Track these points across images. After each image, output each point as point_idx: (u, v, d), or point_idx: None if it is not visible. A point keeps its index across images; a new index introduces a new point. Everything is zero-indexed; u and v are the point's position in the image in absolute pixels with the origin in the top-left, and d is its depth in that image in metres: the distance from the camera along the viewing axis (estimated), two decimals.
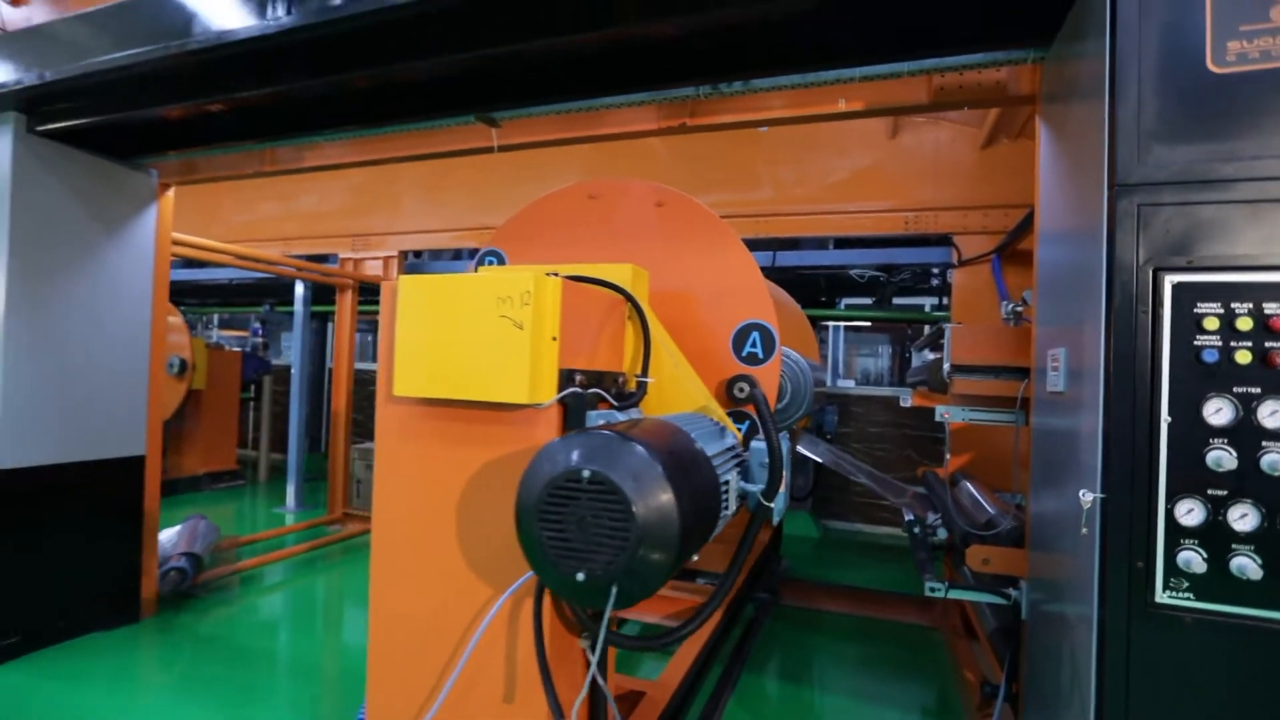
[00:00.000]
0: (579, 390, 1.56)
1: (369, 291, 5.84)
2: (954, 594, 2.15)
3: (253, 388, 8.02)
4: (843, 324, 9.23)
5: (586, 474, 1.12)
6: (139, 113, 2.90)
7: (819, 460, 3.52)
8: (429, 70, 2.47)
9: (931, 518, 2.53)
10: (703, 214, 2.29)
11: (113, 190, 3.39)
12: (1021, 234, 3.32)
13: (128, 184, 3.46)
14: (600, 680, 1.56)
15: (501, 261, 2.61)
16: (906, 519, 2.81)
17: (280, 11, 2.18)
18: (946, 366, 2.37)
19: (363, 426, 8.39)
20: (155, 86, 2.74)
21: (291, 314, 9.39)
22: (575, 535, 1.13)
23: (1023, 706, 2.11)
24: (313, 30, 2.13)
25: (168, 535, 3.93)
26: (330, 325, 9.11)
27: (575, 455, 1.16)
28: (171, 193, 3.67)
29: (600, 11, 2.03)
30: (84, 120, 2.98)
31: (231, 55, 2.38)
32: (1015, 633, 2.19)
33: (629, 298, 1.89)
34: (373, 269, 5.55)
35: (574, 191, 2.48)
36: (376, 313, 7.53)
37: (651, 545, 1.11)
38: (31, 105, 3.00)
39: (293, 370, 6.29)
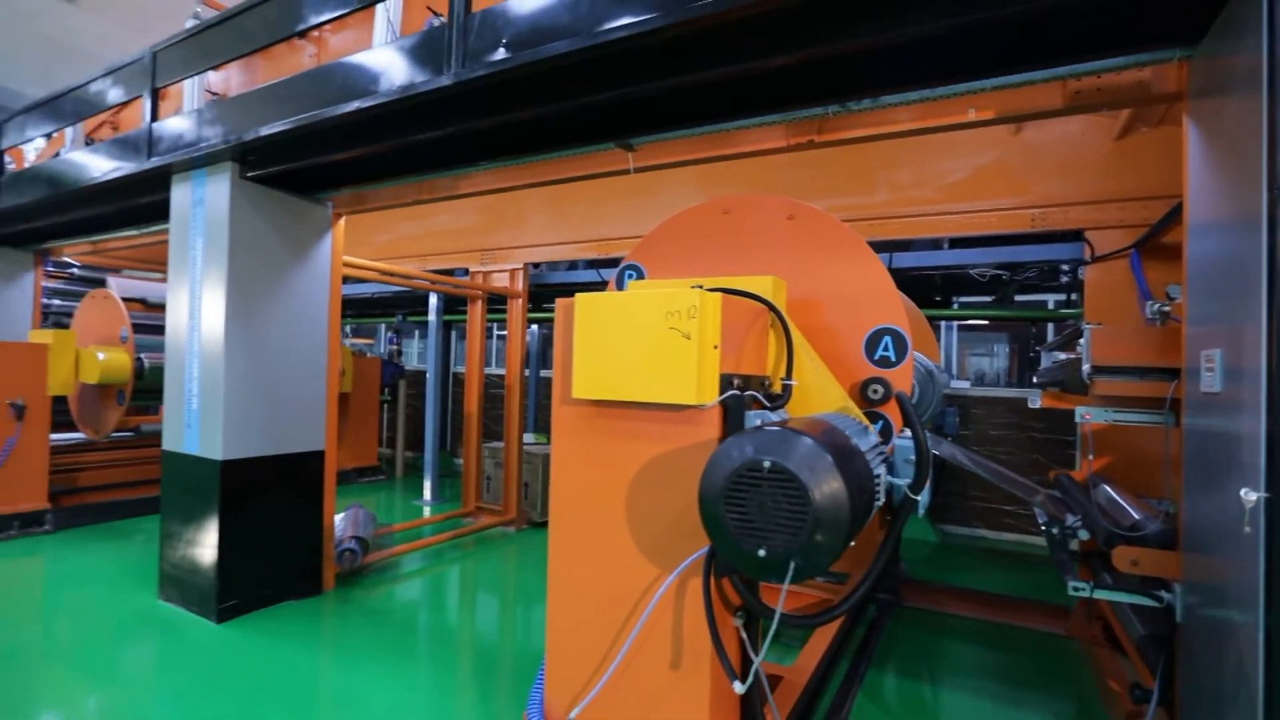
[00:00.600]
0: (737, 392, 1.75)
1: (494, 301, 6.32)
2: (1101, 594, 2.16)
3: (389, 391, 8.81)
4: (955, 323, 8.91)
5: (767, 464, 1.31)
6: (317, 159, 3.39)
7: (949, 459, 3.52)
8: (575, 107, 2.75)
9: (1070, 519, 2.52)
10: (833, 225, 2.42)
11: (299, 221, 3.95)
12: (1166, 227, 3.19)
13: (310, 215, 4.02)
14: (751, 650, 1.74)
15: (641, 274, 2.84)
16: (1041, 521, 2.79)
17: (455, 67, 2.52)
18: (1087, 367, 2.37)
19: (487, 428, 9.02)
20: (339, 136, 3.20)
21: (416, 323, 10.22)
22: (757, 517, 1.32)
23: (1179, 712, 2.09)
24: (485, 80, 2.45)
25: (337, 521, 4.49)
26: (452, 333, 9.85)
27: (755, 448, 1.35)
28: (343, 221, 4.21)
29: (720, 54, 2.21)
30: (281, 166, 3.52)
31: (411, 106, 2.76)
32: (1168, 638, 2.16)
33: (772, 308, 2.05)
34: (499, 281, 6.00)
35: (708, 208, 2.67)
36: (500, 321, 8.09)
37: (825, 528, 1.28)
38: (243, 156, 3.57)
39: (428, 375, 6.89)
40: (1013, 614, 3.94)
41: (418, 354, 12.21)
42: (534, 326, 8.60)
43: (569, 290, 7.13)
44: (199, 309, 3.69)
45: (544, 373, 9.14)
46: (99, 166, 4.21)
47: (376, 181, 3.67)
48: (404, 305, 8.95)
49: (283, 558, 3.88)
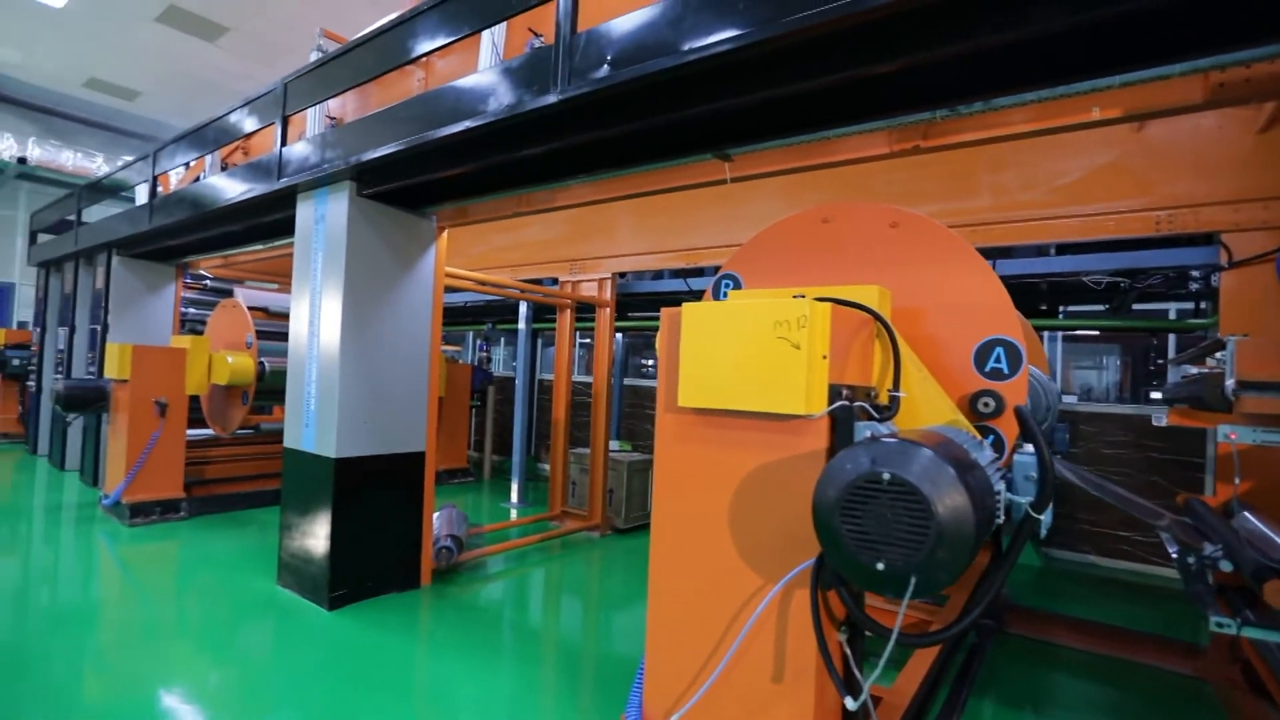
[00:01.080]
0: (846, 403, 1.72)
1: (581, 310, 6.47)
2: (1251, 633, 1.97)
3: (478, 396, 9.17)
4: (1060, 333, 8.36)
5: (886, 476, 1.28)
6: (426, 177, 3.60)
7: (1061, 478, 3.30)
8: (674, 120, 2.80)
9: (1209, 549, 2.31)
10: (940, 232, 2.35)
11: (407, 234, 4.20)
12: None
13: (417, 229, 4.26)
14: (855, 667, 1.70)
15: (738, 284, 2.84)
16: (1172, 550, 2.57)
17: (560, 85, 2.63)
18: (1231, 382, 2.17)
19: (570, 434, 9.23)
20: (447, 154, 3.39)
21: (501, 331, 10.59)
22: (874, 530, 1.30)
23: None
24: (589, 97, 2.54)
25: (434, 519, 4.71)
26: (538, 341, 10.14)
27: (872, 459, 1.33)
28: (445, 234, 4.44)
29: (822, 63, 2.19)
30: (393, 184, 3.76)
31: (516, 124, 2.89)
32: None
33: (879, 318, 2.01)
34: (588, 290, 6.15)
35: (807, 216, 2.64)
36: (587, 329, 8.26)
37: (948, 543, 1.24)
38: (360, 175, 3.84)
39: (516, 381, 7.13)
40: (1130, 648, 3.65)
41: (502, 361, 12.65)
42: (618, 335, 8.73)
43: (655, 300, 7.20)
44: (318, 317, 3.98)
45: (626, 381, 9.25)
46: (235, 188, 4.64)
47: (479, 196, 3.86)
48: (493, 314, 9.30)
49: (386, 552, 4.11)
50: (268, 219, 4.82)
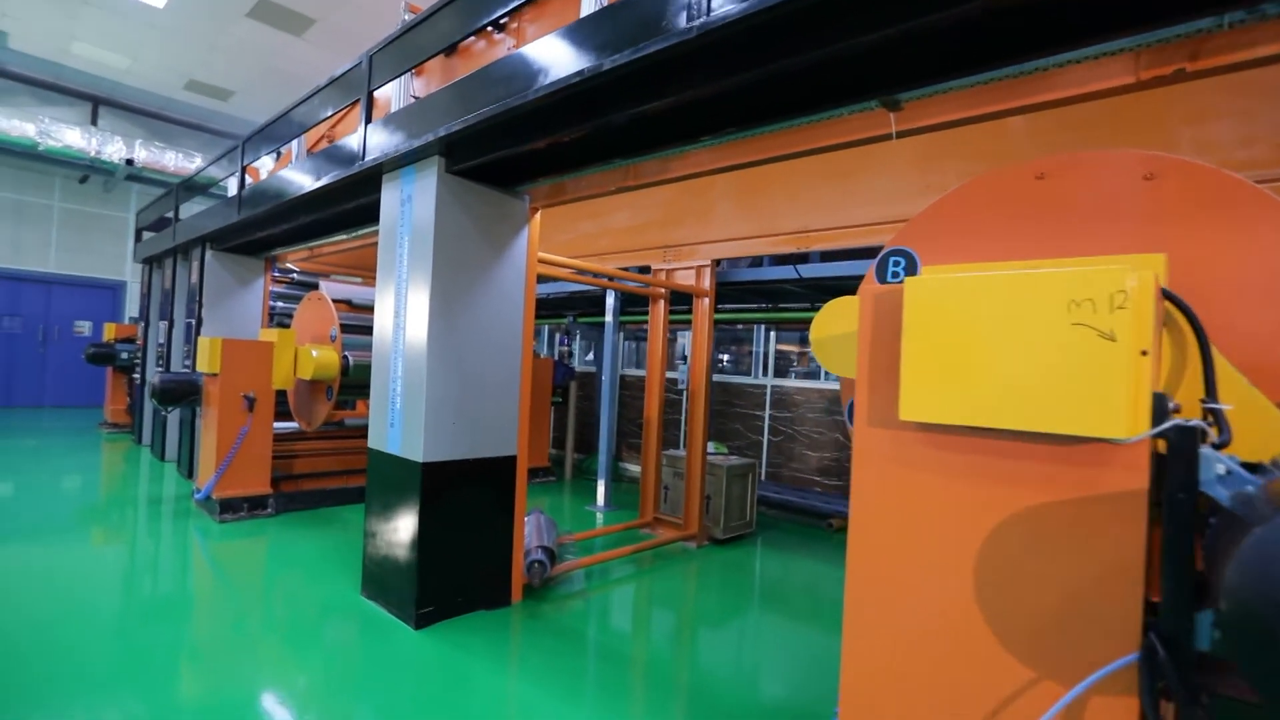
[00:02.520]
0: (1184, 422, 1.14)
1: (676, 300, 5.98)
2: None
3: (559, 392, 8.84)
4: None
5: None
6: (522, 146, 3.18)
7: None
8: (825, 57, 2.24)
9: None
10: (1229, 184, 1.70)
11: (498, 215, 3.81)
12: None
13: (508, 209, 3.87)
14: None
15: (912, 262, 2.27)
16: None
17: (683, 20, 2.12)
18: None
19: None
20: (544, 118, 2.95)
21: (584, 324, 10.25)
22: None
23: None
24: (721, 32, 2.02)
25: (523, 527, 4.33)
26: (619, 335, 9.73)
27: None
28: (538, 215, 4.03)
29: None
30: (485, 158, 3.36)
31: (630, 73, 2.40)
32: None
33: (1178, 303, 1.41)
34: (683, 278, 5.64)
35: (1013, 173, 2.04)
36: (680, 321, 7.77)
37: None
38: (449, 149, 3.46)
39: (603, 377, 6.71)
40: None
41: (577, 355, 12.34)
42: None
43: (754, 290, 6.62)
44: (403, 308, 3.65)
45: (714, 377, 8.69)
46: (318, 174, 4.39)
47: (578, 169, 3.41)
48: (575, 306, 8.95)
49: (475, 566, 3.75)
50: (352, 205, 4.56)
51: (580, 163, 3.35)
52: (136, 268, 12.94)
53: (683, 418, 8.57)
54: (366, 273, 9.54)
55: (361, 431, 7.41)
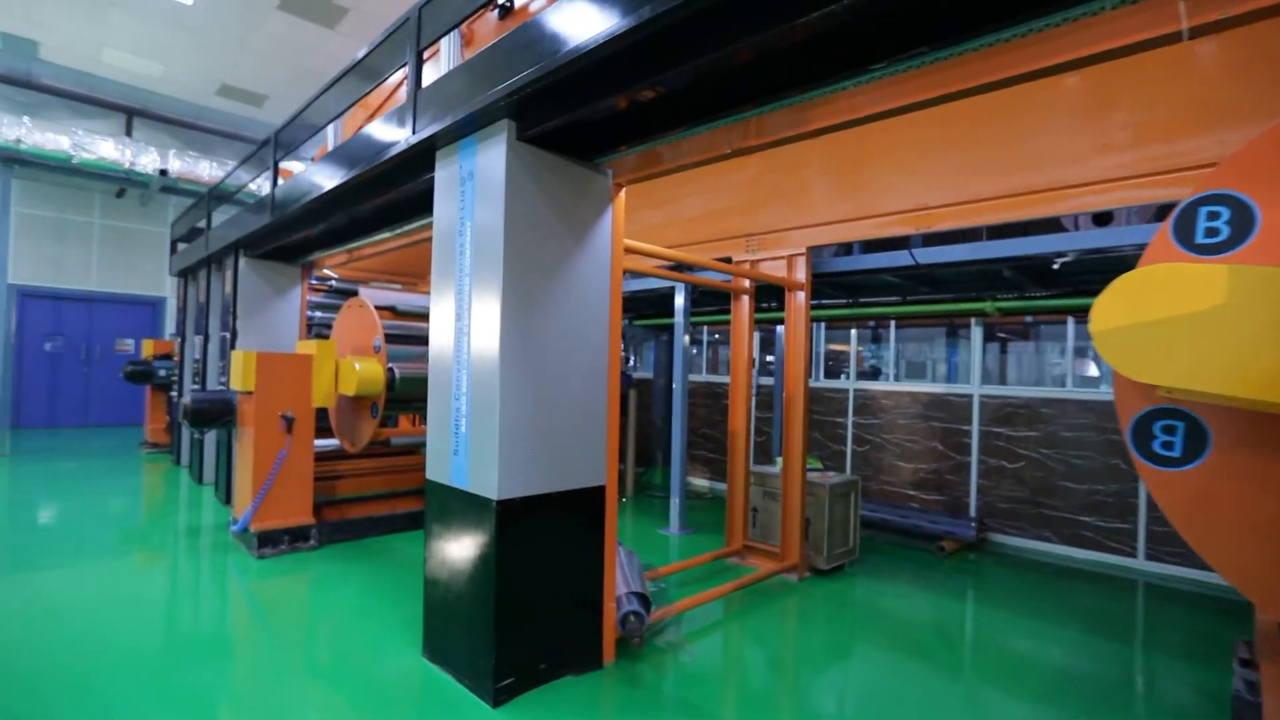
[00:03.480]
0: None
1: (764, 296, 5.24)
2: None
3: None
4: None
5: None
6: (602, 104, 2.49)
7: None
8: None
9: None
10: None
11: (577, 194, 3.12)
12: None
13: (589, 187, 3.18)
14: None
15: (1244, 211, 1.50)
16: None
17: None
18: None
19: (712, 442, 8.03)
20: (643, 58, 2.25)
21: (639, 327, 9.57)
22: None
23: None
24: None
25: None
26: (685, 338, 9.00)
27: None
28: (623, 193, 3.34)
29: None
30: (567, 116, 2.67)
31: None
32: None
33: None
34: (772, 270, 4.89)
35: None
36: (768, 320, 6.99)
37: None
38: (520, 110, 2.78)
39: (675, 385, 5.99)
40: None
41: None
42: (777, 327, 7.41)
43: (847, 283, 5.82)
44: (467, 310, 2.98)
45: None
46: (358, 160, 3.77)
47: (682, 128, 2.69)
48: (633, 307, 8.26)
49: (561, 622, 3.06)
50: (399, 192, 3.94)
51: (685, 119, 2.64)
52: (175, 282, 12.69)
53: (726, 425, 7.78)
54: (407, 278, 9.01)
55: (409, 450, 6.83)
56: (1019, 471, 5.79)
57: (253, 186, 9.40)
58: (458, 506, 2.99)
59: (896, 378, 7.12)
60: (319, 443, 5.71)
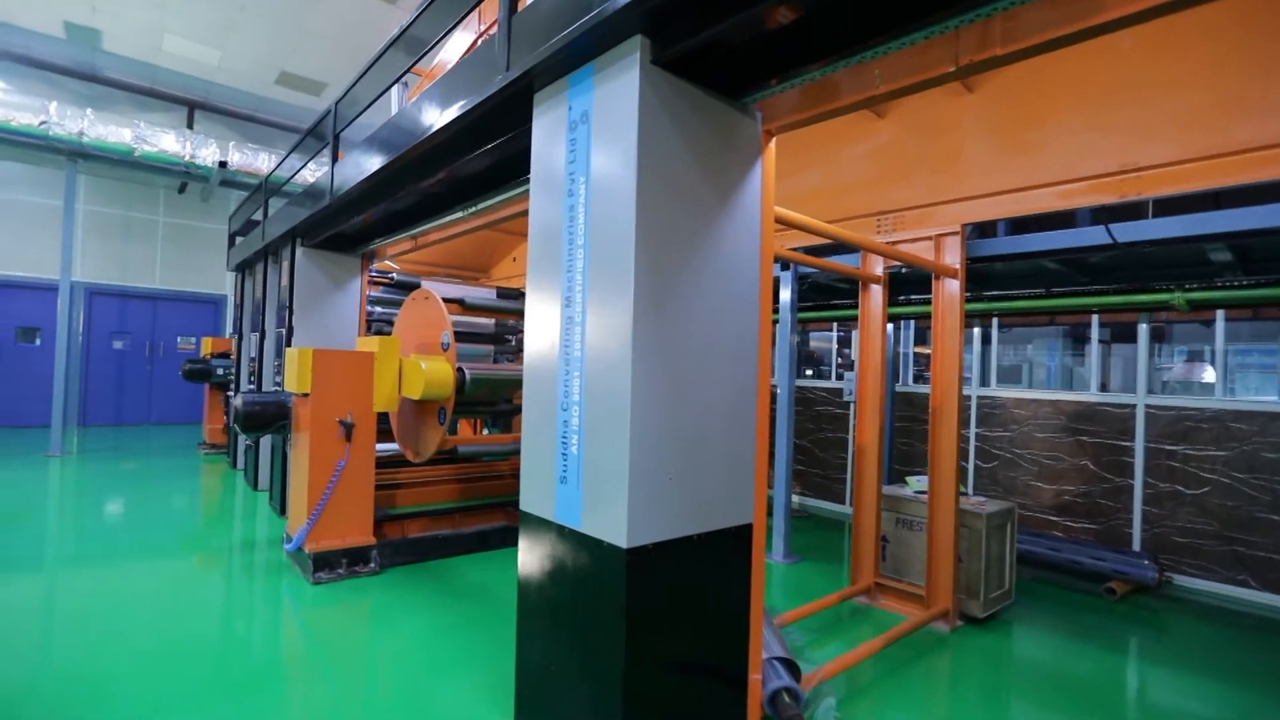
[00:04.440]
0: None
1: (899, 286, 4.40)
2: None
3: None
4: None
5: None
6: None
7: None
8: None
9: None
10: None
11: (721, 142, 2.37)
12: None
13: (735, 132, 2.43)
14: None
15: None
16: None
17: None
18: None
19: (820, 460, 7.17)
20: None
21: None
22: None
23: None
24: None
25: None
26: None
27: None
28: (774, 144, 2.57)
29: None
30: (719, 26, 1.93)
31: None
32: None
33: None
34: (917, 252, 4.05)
35: None
36: (912, 314, 6.10)
37: None
38: (659, 20, 2.05)
39: (779, 391, 5.20)
40: None
41: None
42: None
43: (986, 271, 4.89)
44: (580, 292, 2.27)
45: (898, 387, 7.01)
46: (432, 115, 3.12)
47: (880, 39, 1.91)
48: None
49: (698, 699, 2.31)
50: (483, 155, 3.28)
51: (883, 26, 1.85)
52: (233, 279, 12.54)
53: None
54: (470, 272, 8.45)
55: (479, 459, 6.23)
56: (1202, 499, 4.77)
57: (309, 176, 9.04)
58: (566, 552, 2.28)
59: (1029, 384, 6.15)
60: (380, 446, 5.14)
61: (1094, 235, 3.76)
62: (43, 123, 8.73)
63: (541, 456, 2.42)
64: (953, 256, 3.91)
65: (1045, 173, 3.56)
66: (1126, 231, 3.64)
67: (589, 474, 2.20)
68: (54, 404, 8.69)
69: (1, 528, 5.22)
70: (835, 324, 8.17)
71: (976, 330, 6.47)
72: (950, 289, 3.92)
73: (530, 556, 2.46)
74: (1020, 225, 4.53)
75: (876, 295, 4.21)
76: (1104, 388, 6.36)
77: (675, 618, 2.22)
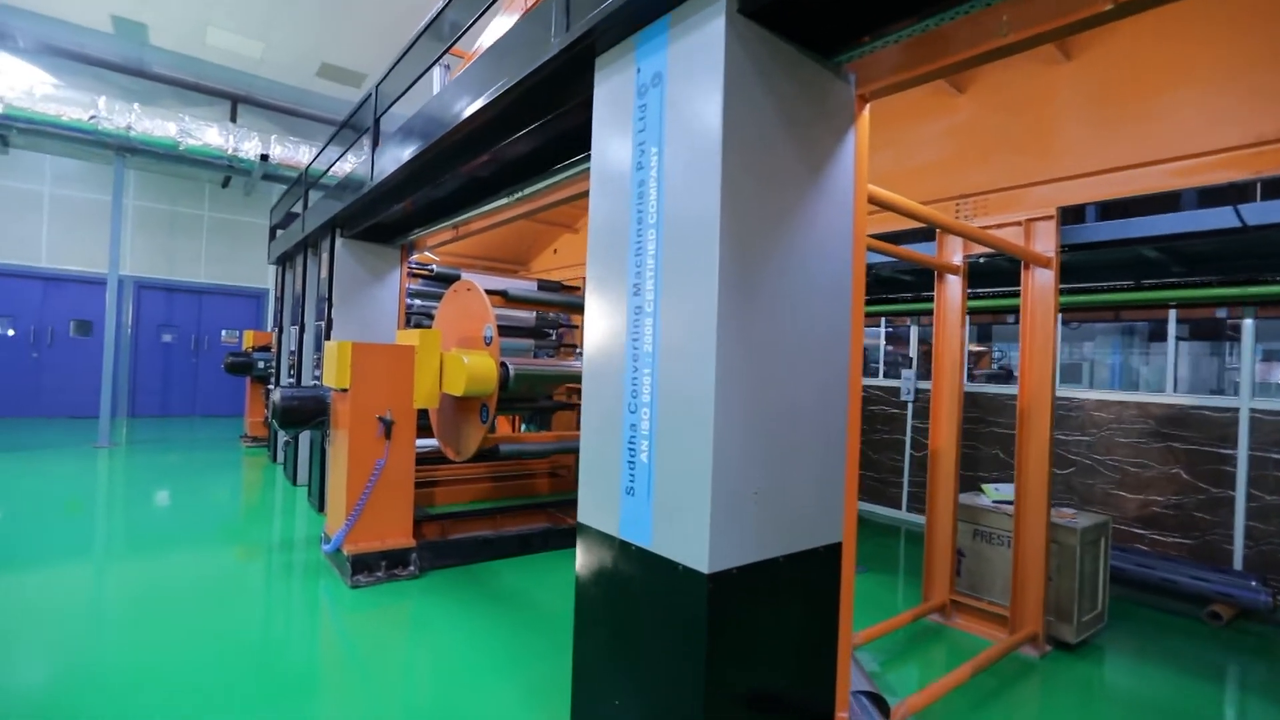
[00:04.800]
0: None
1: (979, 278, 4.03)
2: None
3: None
4: None
5: None
6: None
7: None
8: None
9: None
10: None
11: (812, 108, 2.07)
12: None
13: (827, 97, 2.13)
14: None
15: None
16: None
17: None
18: None
19: (873, 463, 6.79)
20: None
21: None
22: None
23: None
24: None
25: None
26: None
27: None
28: (867, 113, 2.26)
29: None
30: None
31: None
32: None
33: None
34: (1008, 239, 3.68)
35: None
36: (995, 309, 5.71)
37: None
38: None
39: None
40: None
41: None
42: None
43: (1109, 258, 4.44)
44: (653, 278, 1.99)
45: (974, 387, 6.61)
46: (480, 87, 2.88)
47: None
48: None
49: None
50: (532, 134, 3.04)
51: None
52: (274, 272, 12.64)
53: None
54: (508, 264, 8.26)
55: (522, 458, 6.04)
56: None
57: (349, 167, 8.99)
58: (632, 572, 2.02)
59: (1110, 384, 5.69)
60: (419, 442, 4.97)
61: (1216, 218, 3.34)
62: (92, 117, 8.82)
63: (604, 464, 2.16)
64: (1045, 243, 3.53)
65: (1159, 148, 3.17)
66: (1260, 213, 3.20)
67: (661, 486, 1.93)
68: (102, 396, 8.79)
69: (40, 524, 5.20)
70: (884, 319, 7.76)
71: (1059, 325, 6.02)
72: (1042, 279, 3.54)
73: (590, 574, 2.21)
74: (1107, 211, 4.11)
75: (954, 287, 3.85)
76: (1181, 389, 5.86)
77: (757, 649, 1.94)
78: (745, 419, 1.85)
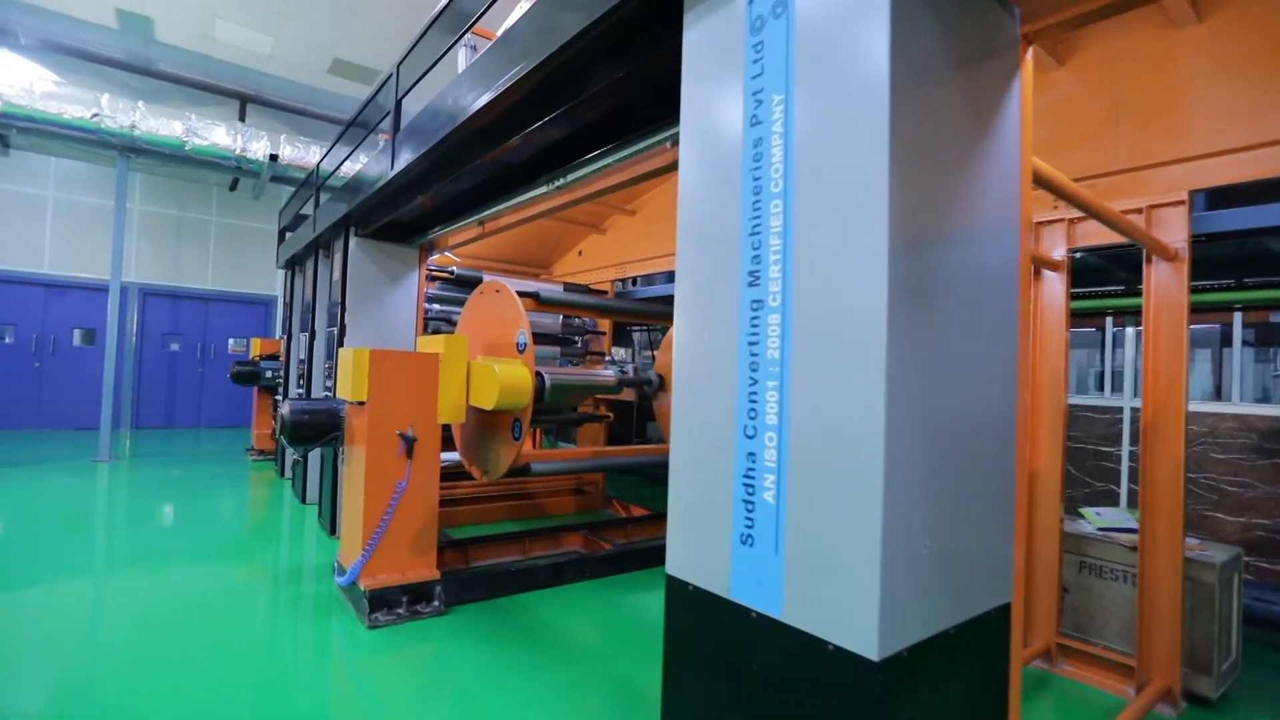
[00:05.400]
0: None
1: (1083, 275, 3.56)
2: None
3: None
4: None
5: None
6: None
7: None
8: None
9: None
10: None
11: (980, 46, 1.61)
12: None
13: (993, 34, 1.67)
14: None
15: None
16: None
17: None
18: None
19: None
20: None
21: None
22: None
23: None
24: None
25: None
26: None
27: None
28: (1031, 57, 1.80)
29: None
30: None
31: None
32: None
33: None
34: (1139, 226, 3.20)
35: None
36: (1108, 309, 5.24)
37: None
38: None
39: None
40: None
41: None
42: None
43: (1220, 251, 3.98)
44: (780, 264, 1.53)
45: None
46: (528, 51, 2.44)
47: None
48: None
49: None
50: (579, 108, 2.59)
51: None
52: (283, 277, 12.28)
53: None
54: (529, 268, 7.83)
55: (554, 476, 5.58)
56: None
57: (362, 161, 8.61)
58: (752, 647, 1.54)
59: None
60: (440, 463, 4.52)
61: None
62: (94, 115, 8.46)
63: (704, 503, 1.69)
64: (1172, 233, 3.05)
65: None
66: None
67: (795, 535, 1.46)
68: (103, 408, 8.38)
69: (19, 550, 4.76)
70: None
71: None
72: (1166, 275, 3.06)
73: (685, 644, 1.73)
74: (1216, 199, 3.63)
75: (1054, 285, 3.38)
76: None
77: None
78: (918, 448, 1.38)
